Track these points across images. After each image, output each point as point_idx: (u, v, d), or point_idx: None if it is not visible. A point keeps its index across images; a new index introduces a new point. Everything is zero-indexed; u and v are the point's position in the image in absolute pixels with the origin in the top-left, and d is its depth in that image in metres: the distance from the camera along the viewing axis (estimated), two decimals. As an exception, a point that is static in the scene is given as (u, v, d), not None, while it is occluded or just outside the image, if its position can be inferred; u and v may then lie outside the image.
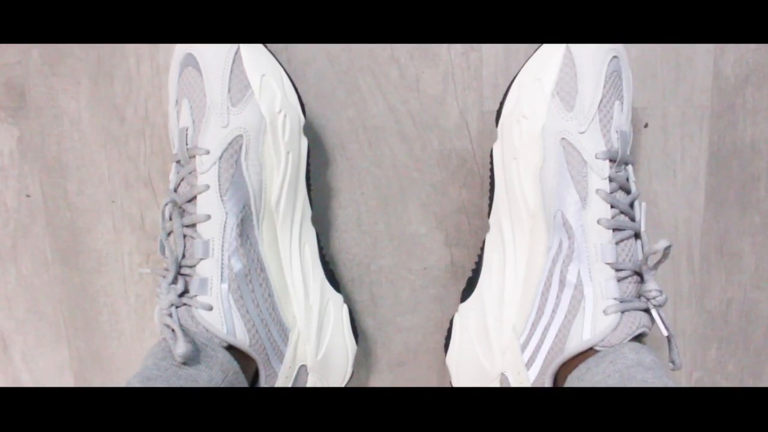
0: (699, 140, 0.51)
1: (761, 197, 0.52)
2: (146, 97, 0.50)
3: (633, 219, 0.41)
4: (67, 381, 0.56)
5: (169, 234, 0.41)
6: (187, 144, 0.41)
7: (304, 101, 0.45)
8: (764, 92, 0.50)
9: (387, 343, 0.54)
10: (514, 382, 0.44)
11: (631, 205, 0.41)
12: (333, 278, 0.48)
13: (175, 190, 0.42)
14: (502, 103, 0.45)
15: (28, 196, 0.53)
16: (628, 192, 0.42)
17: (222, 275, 0.40)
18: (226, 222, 0.40)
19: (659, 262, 0.40)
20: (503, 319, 0.45)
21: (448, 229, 0.52)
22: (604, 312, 0.39)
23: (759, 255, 0.53)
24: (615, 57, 0.42)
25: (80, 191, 0.52)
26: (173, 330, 0.37)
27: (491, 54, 0.49)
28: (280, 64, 0.44)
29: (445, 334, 0.49)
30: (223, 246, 0.40)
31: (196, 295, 0.39)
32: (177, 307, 0.39)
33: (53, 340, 0.56)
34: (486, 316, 0.46)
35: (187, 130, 0.41)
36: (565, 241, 0.41)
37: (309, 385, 0.45)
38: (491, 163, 0.45)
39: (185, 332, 0.37)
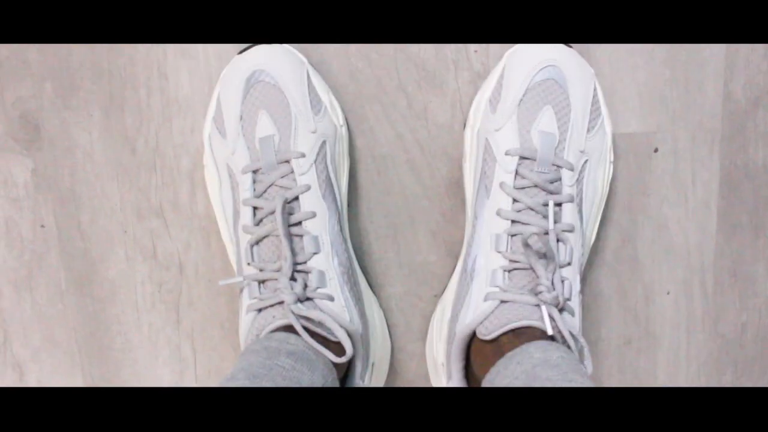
0: (710, 164, 0.50)
1: (775, 220, 0.52)
2: (156, 129, 0.51)
3: (545, 217, 0.42)
4: (81, 408, 0.57)
5: (258, 242, 0.42)
6: (275, 150, 0.43)
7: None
8: (775, 115, 0.50)
9: (399, 370, 0.54)
10: (440, 374, 0.48)
11: (545, 204, 0.42)
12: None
13: (259, 198, 0.43)
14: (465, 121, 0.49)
15: (42, 226, 0.54)
16: (557, 194, 0.43)
17: (334, 268, 0.43)
18: (328, 218, 0.43)
19: (541, 253, 0.41)
20: (445, 311, 0.48)
21: (456, 254, 0.52)
22: (484, 298, 0.42)
23: (773, 278, 0.53)
24: (552, 66, 0.44)
25: (93, 221, 0.53)
26: (306, 319, 0.40)
27: (499, 81, 0.49)
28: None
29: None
30: (330, 240, 0.43)
31: (318, 287, 0.41)
32: (302, 301, 0.40)
33: (68, 367, 0.56)
34: (444, 309, 0.49)
35: (273, 137, 0.43)
36: (470, 231, 0.45)
37: (372, 382, 0.48)
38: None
39: (305, 328, 0.40)
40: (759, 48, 0.49)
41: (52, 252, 0.54)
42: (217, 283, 0.53)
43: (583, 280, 0.49)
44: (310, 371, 0.38)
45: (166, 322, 0.55)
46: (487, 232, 0.44)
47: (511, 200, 0.43)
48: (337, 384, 0.41)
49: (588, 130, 0.45)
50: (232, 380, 0.36)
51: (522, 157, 0.44)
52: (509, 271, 0.43)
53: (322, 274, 0.42)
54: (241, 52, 0.46)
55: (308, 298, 0.41)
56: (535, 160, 0.43)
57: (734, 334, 0.54)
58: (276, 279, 0.41)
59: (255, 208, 0.43)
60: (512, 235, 0.43)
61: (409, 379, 0.54)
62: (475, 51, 0.48)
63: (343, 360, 0.40)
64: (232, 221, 0.46)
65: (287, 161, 0.43)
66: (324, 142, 0.45)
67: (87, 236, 0.53)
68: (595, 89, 0.46)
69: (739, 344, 0.54)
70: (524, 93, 0.44)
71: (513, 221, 0.43)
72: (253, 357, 0.38)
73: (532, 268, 0.42)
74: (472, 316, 0.42)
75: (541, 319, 0.41)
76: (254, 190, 0.43)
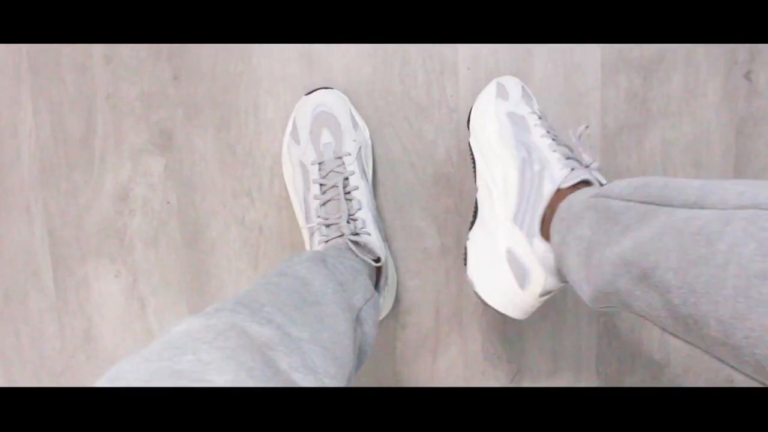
0: (595, 167, 0.82)
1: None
2: (251, 140, 0.80)
3: (561, 142, 0.69)
4: (185, 328, 0.84)
5: (324, 204, 0.71)
6: (333, 150, 0.72)
7: (353, 142, 0.76)
8: (632, 136, 0.81)
9: (400, 298, 0.83)
10: (516, 249, 0.66)
11: (548, 131, 0.69)
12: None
13: (324, 178, 0.72)
14: (470, 115, 0.76)
15: (168, 202, 0.82)
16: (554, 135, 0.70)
17: (371, 219, 0.71)
18: (365, 190, 0.72)
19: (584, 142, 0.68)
20: (498, 218, 0.69)
21: (439, 224, 0.81)
22: (561, 169, 0.65)
23: (636, 240, 0.84)
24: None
25: (203, 199, 0.81)
26: (356, 243, 0.68)
27: (466, 113, 0.79)
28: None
29: (463, 257, 0.79)
30: (367, 202, 0.71)
31: (363, 228, 0.70)
32: (354, 234, 0.69)
33: (176, 301, 0.84)
34: (486, 226, 0.71)
35: (331, 144, 0.72)
36: (526, 154, 0.68)
37: (384, 305, 0.75)
38: (470, 149, 0.75)
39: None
40: (621, 95, 0.80)
41: (173, 220, 0.82)
42: (284, 240, 0.81)
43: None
44: (362, 266, 0.66)
45: (247, 267, 0.83)
46: (542, 144, 0.67)
47: (546, 133, 0.69)
48: (373, 278, 0.70)
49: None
50: (299, 256, 0.60)
51: (539, 117, 0.71)
52: (567, 158, 0.66)
53: (364, 221, 0.71)
54: (308, 94, 0.76)
55: (357, 234, 0.70)
56: (543, 118, 0.72)
57: (613, 276, 0.84)
58: (338, 223, 0.70)
59: (321, 185, 0.72)
60: (554, 139, 0.68)
61: (406, 306, 0.83)
62: (450, 95, 0.79)
63: (379, 264, 0.69)
64: (302, 195, 0.74)
65: (340, 157, 0.73)
66: (360, 147, 0.74)
67: (198, 209, 0.82)
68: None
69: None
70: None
71: (552, 138, 0.68)
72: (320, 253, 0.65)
73: (574, 156, 0.66)
74: (556, 178, 0.64)
75: (594, 178, 0.64)
76: (320, 174, 0.73)
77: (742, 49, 0.80)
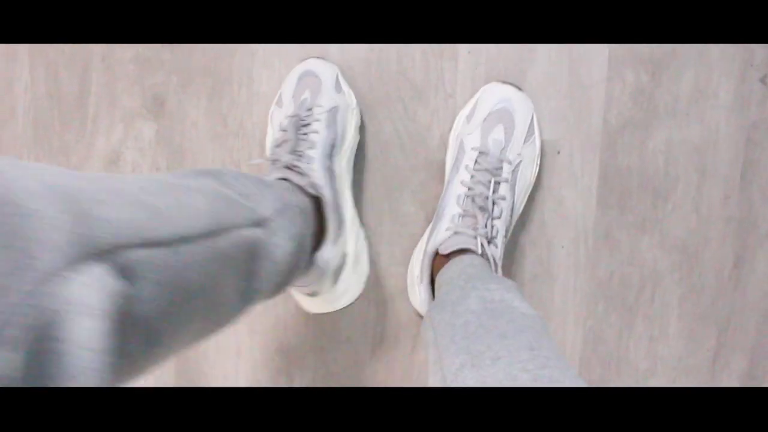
0: (593, 163, 0.78)
1: (634, 203, 0.80)
2: (242, 111, 0.79)
3: (488, 188, 0.69)
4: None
5: (279, 145, 0.69)
6: (307, 103, 0.71)
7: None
8: (635, 135, 0.78)
9: (384, 284, 0.81)
10: (416, 283, 0.74)
11: (489, 181, 0.70)
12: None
13: (287, 120, 0.70)
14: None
15: (158, 168, 0.81)
16: (498, 176, 0.70)
17: (321, 162, 0.67)
18: (326, 137, 0.69)
19: (482, 208, 0.69)
20: (422, 242, 0.75)
21: (427, 211, 0.79)
22: (446, 230, 0.68)
23: (632, 242, 0.81)
24: (507, 101, 0.72)
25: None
26: (280, 168, 0.64)
27: (463, 100, 0.77)
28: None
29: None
30: (322, 149, 0.69)
31: (308, 164, 0.66)
32: (291, 165, 0.65)
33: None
34: (420, 244, 0.76)
35: (307, 99, 0.71)
36: (444, 191, 0.73)
37: (342, 276, 0.71)
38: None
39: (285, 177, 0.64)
40: (626, 91, 0.77)
41: (161, 186, 0.82)
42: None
43: (510, 234, 0.76)
44: (294, 194, 0.61)
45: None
46: (453, 192, 0.71)
47: (470, 176, 0.71)
48: (312, 215, 0.63)
49: (524, 142, 0.74)
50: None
51: (480, 152, 0.72)
52: (462, 216, 0.70)
53: (311, 159, 0.67)
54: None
55: (296, 165, 0.65)
56: (488, 155, 0.71)
57: (604, 278, 0.82)
58: (280, 159, 0.66)
59: (283, 131, 0.70)
60: (467, 196, 0.70)
61: (389, 292, 0.82)
62: (448, 79, 0.77)
63: (312, 193, 0.64)
64: (270, 150, 0.72)
65: (311, 109, 0.71)
66: (336, 107, 0.72)
67: (186, 178, 0.81)
68: (532, 118, 0.75)
69: (607, 285, 0.82)
70: (488, 114, 0.73)
71: (469, 188, 0.70)
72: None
73: (475, 216, 0.70)
74: (437, 240, 0.70)
75: (477, 245, 0.68)
76: (288, 122, 0.70)
77: (759, 51, 0.76)
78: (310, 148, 0.68)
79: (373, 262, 0.81)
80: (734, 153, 0.78)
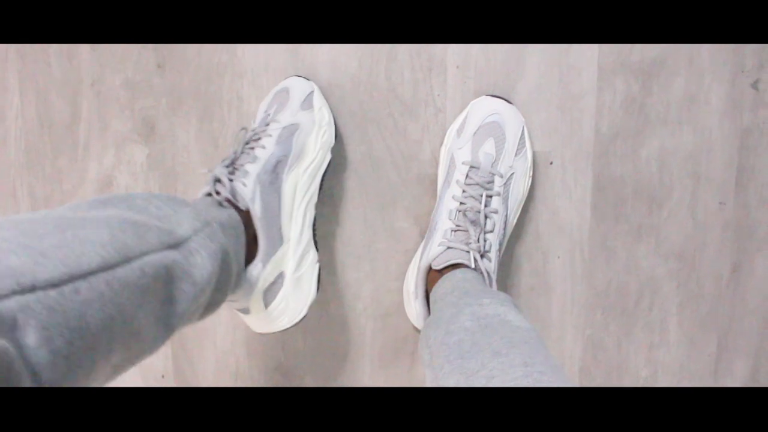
0: (586, 173, 0.78)
1: (629, 212, 0.79)
2: (233, 133, 0.79)
3: (479, 202, 0.69)
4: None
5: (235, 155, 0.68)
6: (267, 117, 0.70)
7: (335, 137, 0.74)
8: (627, 143, 0.78)
9: (381, 299, 0.81)
10: (411, 298, 0.74)
11: (481, 195, 0.69)
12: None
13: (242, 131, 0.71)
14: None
15: (150, 192, 0.81)
16: (489, 190, 0.70)
17: (257, 177, 0.66)
18: (271, 154, 0.68)
19: (474, 222, 0.69)
20: (416, 258, 0.76)
21: (421, 226, 0.79)
22: (438, 245, 0.69)
23: (628, 250, 0.80)
24: (497, 114, 0.72)
25: (185, 190, 0.81)
26: (213, 183, 0.64)
27: (453, 115, 0.77)
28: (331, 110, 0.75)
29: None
30: (264, 164, 0.67)
31: (240, 178, 0.65)
32: (225, 178, 0.64)
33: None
34: (414, 260, 0.77)
35: (269, 115, 0.71)
36: (436, 207, 0.73)
37: (278, 296, 0.68)
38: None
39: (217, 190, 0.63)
40: (617, 100, 0.76)
41: (155, 210, 0.82)
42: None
43: (505, 246, 0.76)
44: (223, 210, 0.61)
45: (227, 260, 0.82)
46: (445, 207, 0.72)
47: (461, 190, 0.71)
48: (241, 226, 0.62)
49: (516, 154, 0.73)
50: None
51: (471, 167, 0.72)
52: (454, 231, 0.70)
53: (246, 173, 0.65)
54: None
55: (231, 180, 0.64)
56: (479, 169, 0.71)
57: (602, 287, 0.81)
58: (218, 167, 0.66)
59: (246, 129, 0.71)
60: (459, 211, 0.70)
61: (386, 305, 0.81)
62: (438, 94, 0.76)
63: (239, 205, 0.63)
64: None
65: (268, 124, 0.71)
66: (296, 124, 0.71)
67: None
68: (523, 130, 0.74)
69: (605, 294, 0.81)
70: (478, 128, 0.72)
71: (461, 203, 0.71)
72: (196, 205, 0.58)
73: (467, 230, 0.69)
74: (430, 255, 0.70)
75: (470, 260, 0.68)
76: (248, 134, 0.70)
77: (750, 56, 0.75)
78: (251, 162, 0.67)
79: (369, 278, 0.81)
80: (728, 158, 0.78)
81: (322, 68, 0.76)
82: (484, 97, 0.74)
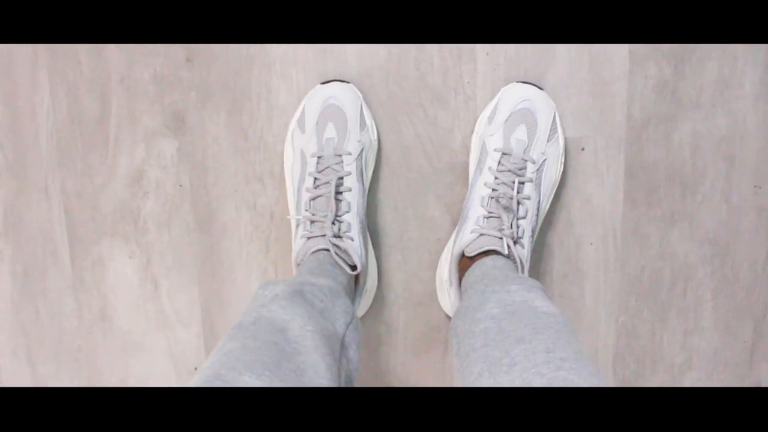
0: (618, 159, 0.77)
1: (661, 197, 0.79)
2: (262, 125, 0.79)
3: (512, 188, 0.69)
4: (196, 311, 0.84)
5: (314, 198, 0.69)
6: (334, 147, 0.70)
7: (364, 129, 0.74)
8: (660, 128, 0.77)
9: (412, 289, 0.81)
10: (444, 286, 0.74)
11: (513, 182, 0.69)
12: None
13: (320, 173, 0.70)
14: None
15: (180, 185, 0.81)
16: (521, 176, 0.69)
17: (357, 223, 0.69)
18: (359, 193, 0.69)
19: (507, 208, 0.68)
20: (449, 245, 0.76)
21: (453, 214, 0.79)
22: (471, 232, 0.68)
23: (661, 236, 0.80)
24: (528, 101, 0.71)
25: (215, 184, 0.81)
26: (336, 246, 0.66)
27: (483, 102, 0.76)
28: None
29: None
30: (357, 207, 0.69)
31: (346, 231, 0.68)
32: (336, 236, 0.67)
33: (189, 282, 0.84)
34: (447, 247, 0.77)
35: (333, 140, 0.70)
36: (468, 194, 0.73)
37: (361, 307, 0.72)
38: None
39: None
40: (649, 85, 0.76)
41: (185, 202, 0.82)
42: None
43: (537, 233, 0.76)
44: (342, 273, 0.66)
45: (258, 252, 0.82)
46: (477, 194, 0.71)
47: (494, 177, 0.70)
48: (351, 286, 0.68)
49: (548, 140, 0.73)
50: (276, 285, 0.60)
51: (503, 153, 0.71)
52: (487, 218, 0.70)
53: (349, 225, 0.68)
54: (323, 83, 0.74)
55: (339, 236, 0.67)
56: (511, 155, 0.71)
57: (635, 274, 0.81)
58: (323, 221, 0.67)
59: (315, 179, 0.70)
60: (491, 197, 0.70)
61: (419, 294, 0.81)
62: (468, 82, 0.76)
63: (356, 272, 0.67)
64: (296, 185, 0.73)
65: (340, 155, 0.71)
66: (363, 149, 0.72)
67: (210, 193, 0.81)
68: (554, 116, 0.74)
69: (638, 281, 0.81)
70: (509, 115, 0.72)
71: (493, 189, 0.70)
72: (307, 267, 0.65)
73: (500, 217, 0.69)
74: (463, 242, 0.69)
75: (503, 246, 0.68)
76: (317, 168, 0.71)
77: (785, 37, 0.74)
78: (347, 211, 0.69)
79: (402, 267, 0.81)
80: (763, 142, 0.77)
81: (351, 59, 0.76)
82: (514, 83, 0.74)
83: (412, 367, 0.83)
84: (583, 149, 0.77)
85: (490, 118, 0.73)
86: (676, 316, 0.81)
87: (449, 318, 0.79)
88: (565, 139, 0.75)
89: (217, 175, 0.81)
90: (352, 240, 0.68)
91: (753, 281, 0.80)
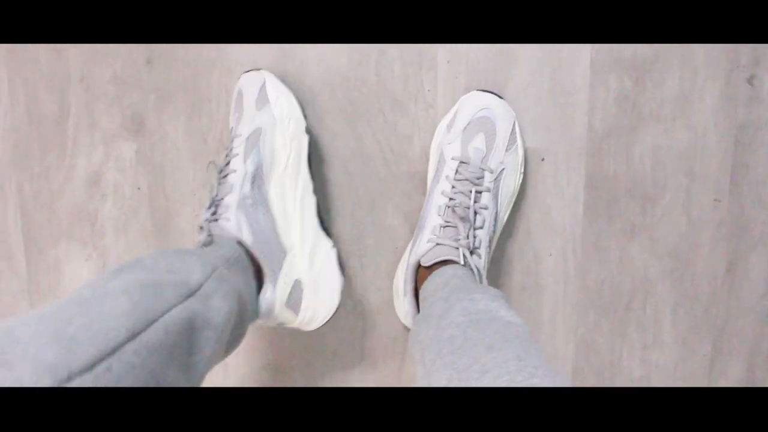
0: (578, 171, 0.77)
1: (621, 210, 0.78)
2: (221, 129, 0.78)
3: (469, 197, 0.68)
4: (153, 316, 0.83)
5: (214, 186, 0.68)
6: (233, 132, 0.70)
7: (316, 131, 0.73)
8: (620, 141, 0.77)
9: (370, 298, 0.80)
10: (400, 295, 0.73)
11: (470, 191, 0.68)
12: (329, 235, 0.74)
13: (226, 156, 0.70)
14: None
15: (138, 188, 0.81)
16: (479, 186, 0.69)
17: (238, 205, 0.66)
18: (243, 175, 0.67)
19: (463, 218, 0.68)
20: (405, 255, 0.75)
21: (411, 222, 0.78)
22: (427, 241, 0.67)
23: (621, 249, 0.79)
24: (487, 109, 0.71)
25: (173, 187, 0.80)
26: (204, 229, 0.64)
27: (444, 110, 0.76)
28: (291, 92, 0.73)
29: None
30: (240, 189, 0.67)
31: (223, 214, 0.65)
32: (210, 221, 0.65)
33: (146, 287, 0.83)
34: (404, 257, 0.75)
35: (233, 128, 0.71)
36: (425, 202, 0.72)
37: (303, 304, 0.68)
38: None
39: (210, 232, 0.64)
40: (610, 97, 0.75)
41: (143, 206, 0.81)
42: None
43: (496, 244, 0.75)
44: (221, 248, 0.62)
45: (216, 258, 0.81)
46: (434, 203, 0.71)
47: (451, 186, 0.70)
48: (246, 258, 0.64)
49: (506, 150, 0.72)
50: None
51: (461, 162, 0.71)
52: (443, 227, 0.69)
53: (227, 207, 0.65)
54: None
55: (216, 220, 0.65)
56: (468, 164, 0.70)
57: (595, 287, 0.80)
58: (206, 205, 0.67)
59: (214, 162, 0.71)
60: (448, 207, 0.70)
61: (376, 306, 0.80)
62: (428, 90, 0.75)
63: (240, 243, 0.64)
64: None
65: (232, 140, 0.70)
66: (259, 128, 0.69)
67: (168, 197, 0.80)
68: (514, 125, 0.73)
69: (598, 294, 0.80)
70: (468, 123, 0.72)
71: (450, 198, 0.70)
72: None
73: (456, 227, 0.69)
74: (419, 251, 0.69)
75: (459, 256, 0.67)
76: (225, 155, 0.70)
77: (745, 51, 0.74)
78: (229, 193, 0.67)
79: (359, 276, 0.80)
80: (723, 155, 0.77)
81: (311, 63, 0.76)
82: (474, 91, 0.73)
83: (368, 377, 0.82)
84: (543, 160, 0.77)
85: (449, 126, 0.73)
86: (635, 330, 0.81)
87: (406, 329, 0.78)
88: (525, 149, 0.75)
89: (175, 179, 0.80)
90: (228, 221, 0.65)
91: (712, 295, 0.80)
